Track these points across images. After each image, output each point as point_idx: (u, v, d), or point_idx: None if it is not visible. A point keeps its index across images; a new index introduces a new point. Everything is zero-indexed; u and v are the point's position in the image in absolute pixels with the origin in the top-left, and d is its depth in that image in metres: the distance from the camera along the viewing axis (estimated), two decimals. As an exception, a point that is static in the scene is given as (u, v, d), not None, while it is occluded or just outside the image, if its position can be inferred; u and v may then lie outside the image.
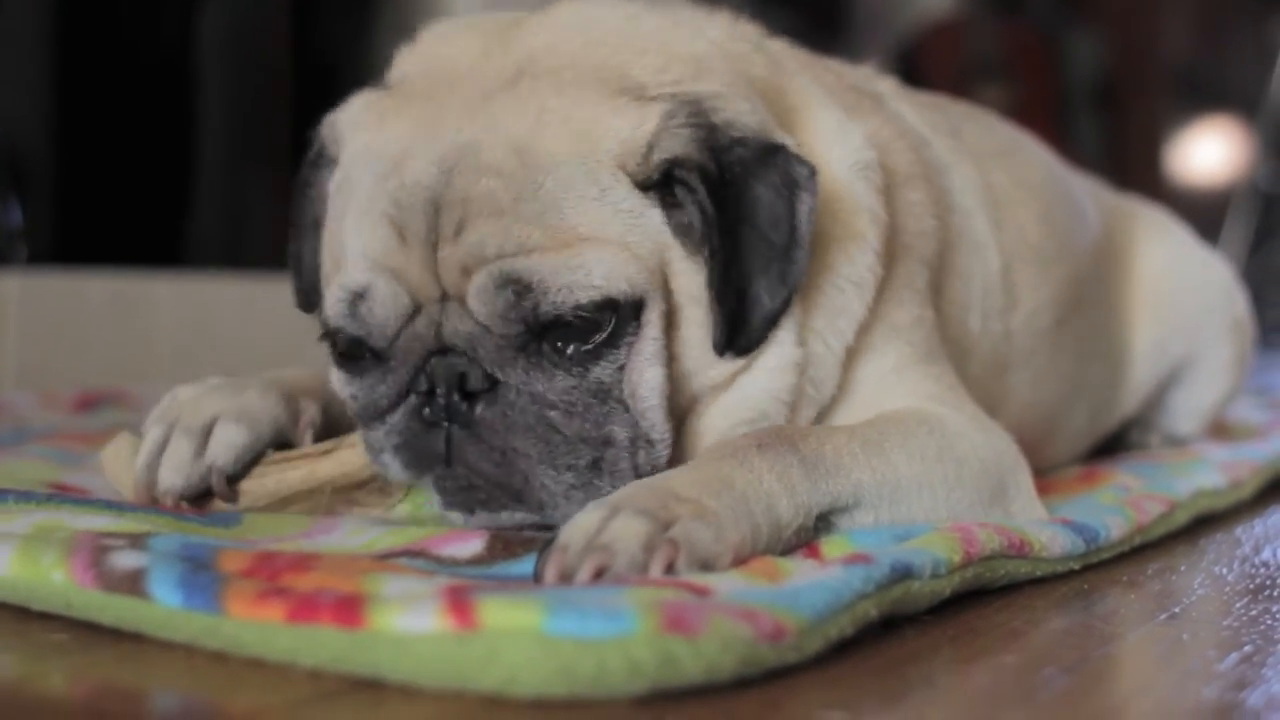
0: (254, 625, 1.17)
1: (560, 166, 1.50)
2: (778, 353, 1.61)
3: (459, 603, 1.11)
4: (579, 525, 1.31)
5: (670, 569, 1.27)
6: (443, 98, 1.57)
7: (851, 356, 1.71)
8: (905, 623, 1.39)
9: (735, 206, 1.54)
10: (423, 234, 1.50)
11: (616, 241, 1.51)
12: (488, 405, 1.50)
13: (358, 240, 1.53)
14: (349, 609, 1.14)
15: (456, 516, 1.56)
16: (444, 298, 1.51)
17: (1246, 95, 7.38)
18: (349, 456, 1.60)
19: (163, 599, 1.22)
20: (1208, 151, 7.70)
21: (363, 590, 1.20)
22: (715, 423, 1.61)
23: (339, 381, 1.60)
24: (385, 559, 1.42)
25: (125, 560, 1.27)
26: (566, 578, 1.26)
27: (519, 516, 1.54)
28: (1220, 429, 2.85)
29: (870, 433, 1.60)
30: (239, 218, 3.82)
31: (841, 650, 1.25)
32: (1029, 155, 2.35)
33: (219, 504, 1.64)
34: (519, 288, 1.47)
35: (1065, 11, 7.72)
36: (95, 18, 3.41)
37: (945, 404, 1.73)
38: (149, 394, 2.66)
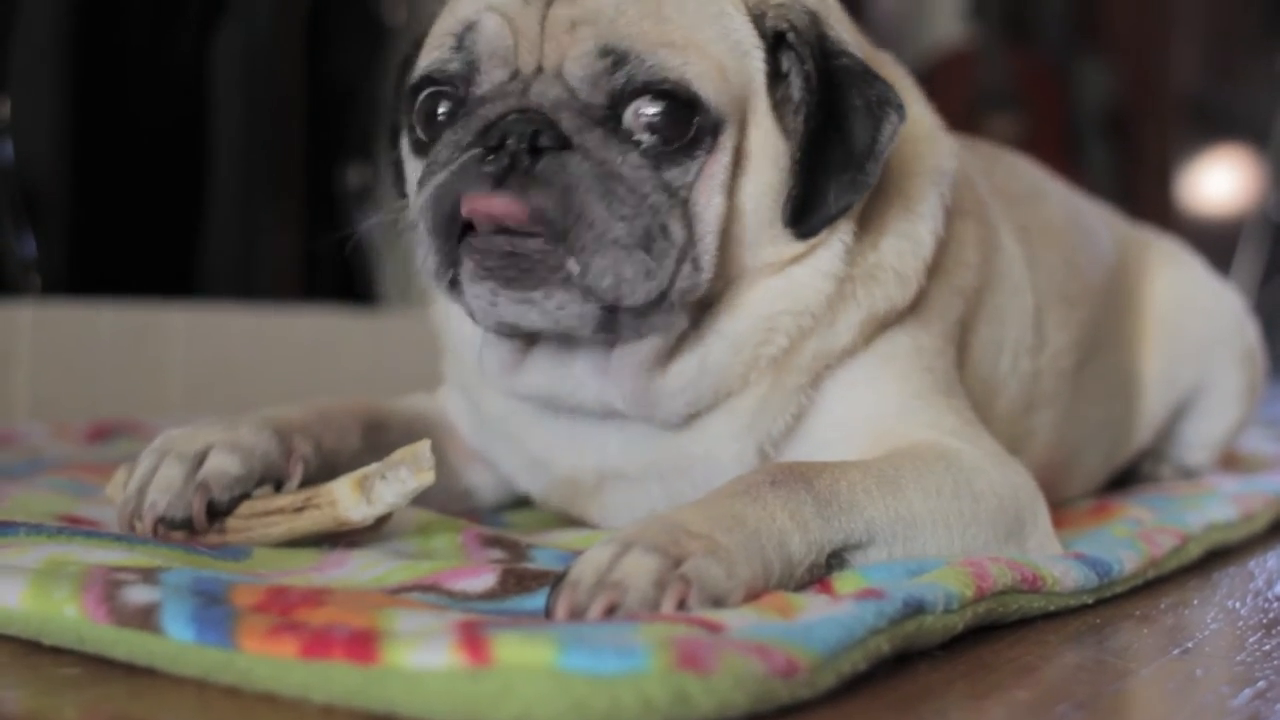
0: (267, 660, 1.17)
1: None
2: (828, 257, 1.67)
3: (472, 639, 1.11)
4: (590, 561, 1.30)
5: (682, 605, 1.27)
6: None
7: (850, 356, 1.73)
8: (918, 658, 1.39)
9: (834, 101, 1.62)
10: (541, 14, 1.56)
11: (717, 58, 1.58)
12: (553, 159, 1.49)
13: None
14: (362, 645, 1.14)
15: (484, 291, 1.53)
16: (540, 70, 1.55)
17: (1257, 125, 7.37)
18: (319, 518, 1.59)
19: (175, 634, 1.22)
20: (1218, 181, 7.70)
21: (376, 626, 1.20)
22: (758, 305, 1.66)
23: (410, 170, 1.67)
24: (398, 594, 1.42)
25: (138, 595, 1.27)
26: (578, 614, 1.26)
27: (549, 301, 1.52)
28: (1232, 460, 2.84)
29: (886, 468, 1.60)
30: (251, 248, 3.83)
31: (854, 686, 1.25)
32: (1054, 197, 2.36)
33: (206, 537, 1.60)
34: (616, 57, 1.53)
35: (1076, 41, 7.73)
36: (108, 49, 3.43)
37: (964, 438, 1.73)
38: (162, 425, 2.67)
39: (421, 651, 1.12)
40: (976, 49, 7.12)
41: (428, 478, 1.56)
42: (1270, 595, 1.83)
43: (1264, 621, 1.68)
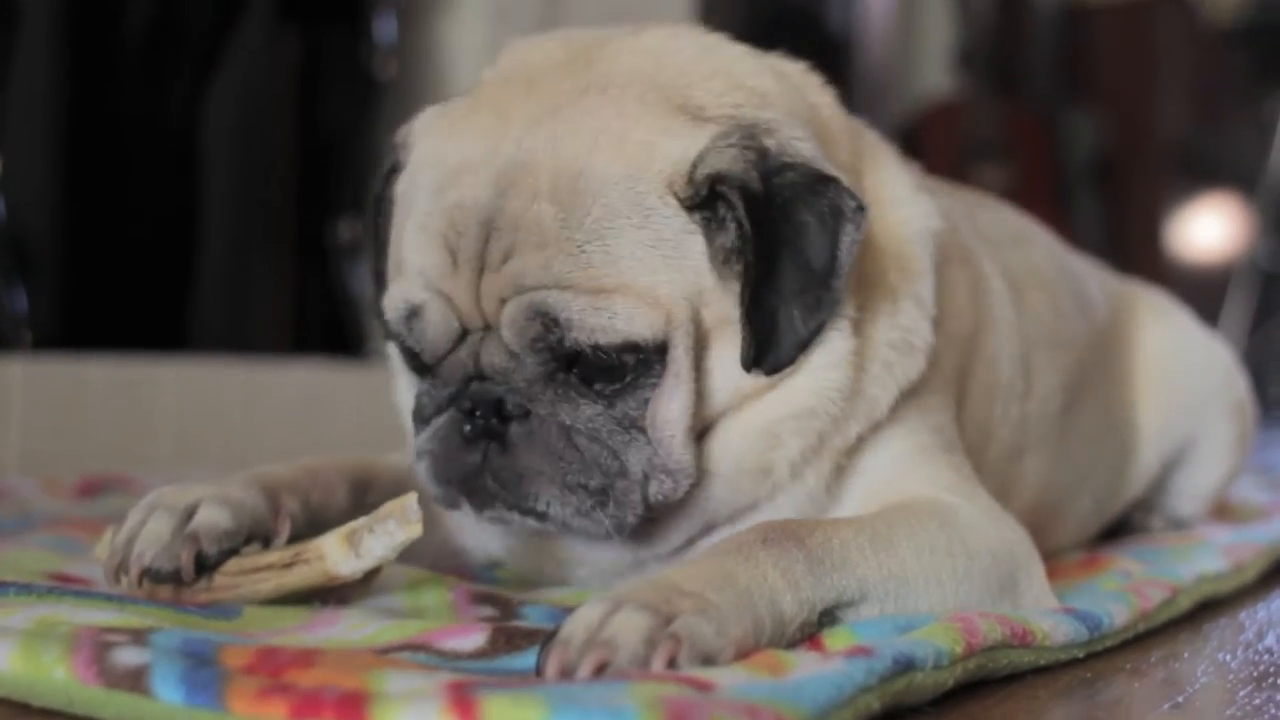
0: (256, 722, 1.17)
1: (609, 190, 1.57)
2: (825, 354, 1.65)
3: (462, 700, 1.11)
4: (581, 619, 1.30)
5: (672, 664, 1.27)
6: (512, 106, 1.65)
7: (877, 430, 1.72)
8: (908, 714, 1.39)
9: (777, 228, 1.58)
10: (472, 259, 1.59)
11: (648, 284, 1.56)
12: (520, 425, 1.59)
13: (415, 255, 1.63)
14: (352, 706, 1.14)
15: (489, 515, 1.66)
16: (486, 326, 1.60)
17: (1245, 173, 7.41)
18: (308, 573, 1.59)
19: (165, 696, 1.22)
20: (1207, 229, 7.73)
21: (366, 687, 1.20)
22: (756, 419, 1.65)
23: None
24: (387, 653, 1.41)
25: (127, 657, 1.27)
26: (568, 672, 1.26)
27: (537, 523, 1.64)
28: (1223, 510, 2.85)
29: (879, 525, 1.60)
30: (243, 302, 3.83)
31: (844, 744, 1.25)
32: (1037, 242, 2.37)
33: (193, 592, 1.58)
34: (547, 320, 1.55)
35: (1063, 91, 7.78)
36: (101, 105, 3.44)
37: (960, 494, 1.74)
38: (152, 480, 2.66)
39: (411, 713, 1.12)
40: (964, 100, 7.16)
41: (415, 530, 1.56)
42: (1261, 648, 1.83)
43: (1254, 675, 1.68)
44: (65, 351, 3.19)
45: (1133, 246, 7.42)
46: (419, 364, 1.68)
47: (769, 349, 1.59)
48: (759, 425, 1.65)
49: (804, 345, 1.61)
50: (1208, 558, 2.21)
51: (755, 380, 1.62)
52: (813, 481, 1.70)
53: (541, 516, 1.62)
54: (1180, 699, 1.57)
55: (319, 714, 1.15)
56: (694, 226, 1.59)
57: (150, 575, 1.57)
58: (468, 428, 1.61)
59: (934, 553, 1.61)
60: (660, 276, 1.57)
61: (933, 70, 7.67)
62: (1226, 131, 7.79)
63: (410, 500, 1.57)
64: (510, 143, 1.61)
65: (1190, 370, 2.60)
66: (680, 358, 1.58)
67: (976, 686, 1.51)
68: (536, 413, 1.59)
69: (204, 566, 1.59)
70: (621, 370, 1.58)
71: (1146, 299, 2.68)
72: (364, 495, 1.80)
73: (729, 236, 1.59)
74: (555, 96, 1.64)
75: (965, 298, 1.90)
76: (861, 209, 1.61)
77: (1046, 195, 6.86)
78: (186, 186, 3.68)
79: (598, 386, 1.59)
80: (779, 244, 1.57)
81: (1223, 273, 7.34)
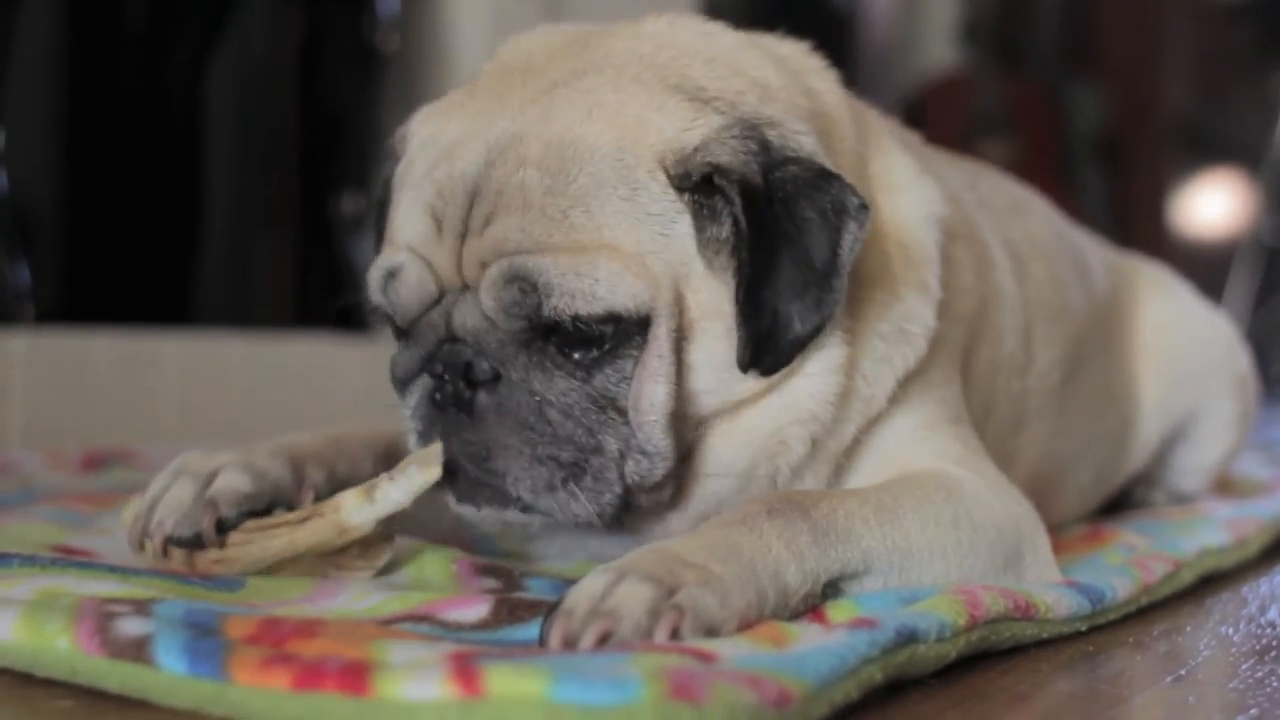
0: (259, 692, 1.17)
1: (598, 159, 1.55)
2: (823, 359, 1.62)
3: (465, 670, 1.12)
4: (584, 590, 1.31)
5: (675, 635, 1.27)
6: (509, 90, 1.64)
7: (876, 422, 1.71)
8: (911, 686, 1.39)
9: (777, 225, 1.54)
10: (456, 224, 1.57)
11: (633, 252, 1.53)
12: (489, 394, 1.56)
13: (403, 226, 1.62)
14: (355, 676, 1.14)
15: (468, 510, 1.62)
16: (465, 289, 1.57)
17: (1249, 149, 7.39)
18: (321, 526, 1.59)
19: (168, 666, 1.22)
20: (1211, 205, 7.71)
21: (368, 657, 1.20)
22: (760, 423, 1.62)
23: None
24: (390, 624, 1.42)
25: (130, 627, 1.27)
26: (571, 643, 1.26)
27: (521, 516, 1.60)
28: (1225, 485, 2.85)
29: (885, 497, 1.60)
30: (246, 276, 3.83)
31: (846, 715, 1.25)
32: (1036, 212, 2.37)
33: (207, 559, 1.60)
34: (526, 285, 1.52)
35: (1068, 66, 7.76)
36: (104, 77, 3.43)
37: (967, 466, 1.73)
38: (156, 453, 2.67)
39: (414, 683, 1.12)
40: (969, 75, 7.14)
41: (435, 472, 1.56)
42: (1263, 621, 1.84)
43: (1256, 648, 1.68)
44: (68, 325, 3.19)
45: (1137, 222, 7.41)
46: (396, 329, 1.67)
47: (767, 349, 1.55)
48: (766, 430, 1.62)
49: (802, 345, 1.57)
50: (1210, 532, 2.21)
51: (750, 381, 1.59)
52: (810, 481, 1.68)
53: (517, 505, 1.58)
54: (1182, 672, 1.57)
55: (322, 684, 1.15)
56: (682, 207, 1.56)
57: (173, 542, 1.59)
58: (437, 395, 1.58)
59: (939, 525, 1.61)
60: (646, 248, 1.54)
61: (937, 44, 7.64)
62: (1231, 107, 7.77)
63: (435, 447, 1.58)
64: (505, 119, 1.60)
65: (1191, 344, 2.60)
66: (663, 336, 1.54)
67: (979, 659, 1.51)
68: (508, 378, 1.55)
69: (224, 530, 1.60)
70: (600, 340, 1.54)
71: (1147, 273, 2.67)
72: (390, 467, 1.80)
73: (723, 229, 1.55)
74: (552, 77, 1.64)
75: (971, 275, 1.90)
76: (865, 207, 1.57)
77: (1051, 170, 6.85)
78: (190, 160, 3.68)
79: (576, 356, 1.55)
80: (779, 240, 1.54)
81: (1227, 249, 7.32)
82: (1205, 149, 7.76)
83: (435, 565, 1.67)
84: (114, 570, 1.56)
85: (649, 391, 1.55)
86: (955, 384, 1.82)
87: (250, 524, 1.61)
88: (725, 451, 1.63)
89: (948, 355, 1.82)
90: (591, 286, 1.51)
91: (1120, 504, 2.64)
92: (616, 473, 1.57)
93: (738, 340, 1.55)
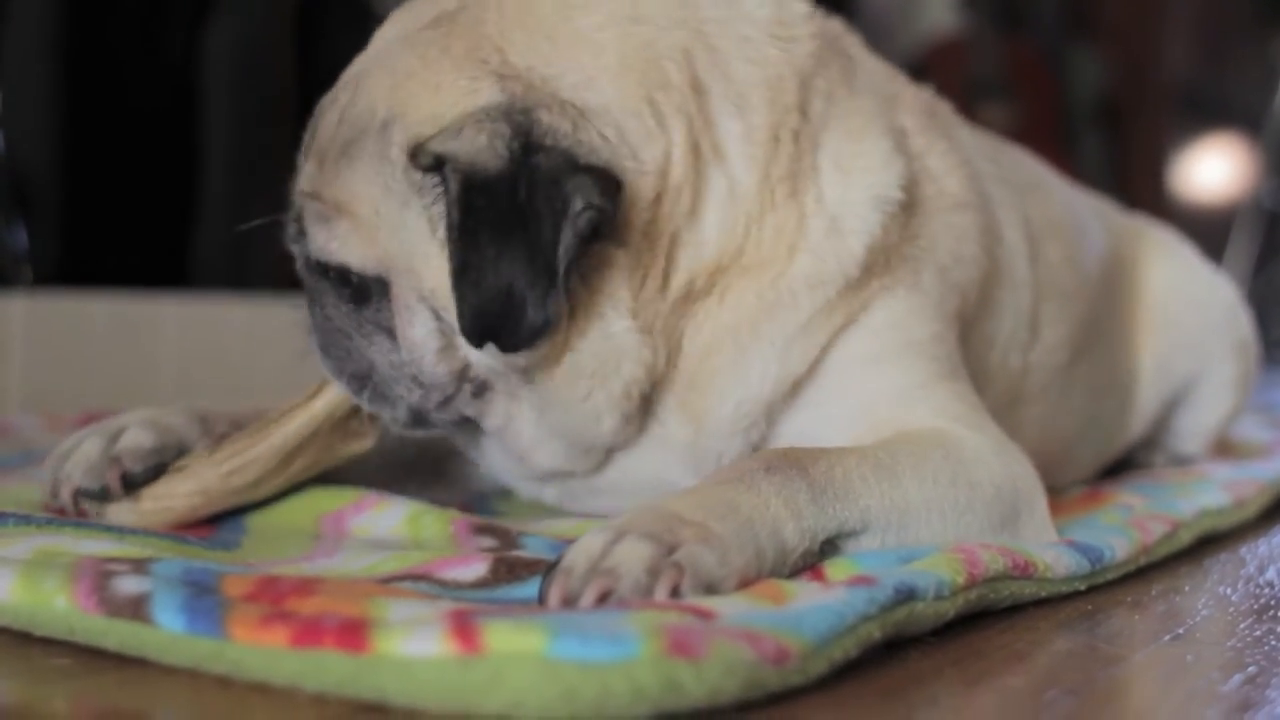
0: (258, 650, 1.17)
1: (373, 127, 1.60)
2: (601, 328, 1.62)
3: (463, 627, 1.12)
4: (583, 548, 1.31)
5: (675, 592, 1.27)
6: (391, 24, 1.73)
7: (863, 367, 1.71)
8: (909, 644, 1.39)
9: (513, 214, 1.51)
10: (300, 161, 1.70)
11: (369, 221, 1.61)
12: (310, 313, 1.74)
13: None
14: (353, 633, 1.14)
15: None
16: None
17: (1250, 113, 7.38)
18: (300, 414, 1.73)
19: (166, 624, 1.22)
20: (1211, 169, 7.71)
21: (367, 614, 1.20)
22: (573, 380, 1.64)
23: None
24: (389, 583, 1.42)
25: (128, 585, 1.27)
26: (570, 601, 1.26)
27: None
28: (1225, 447, 2.85)
29: (883, 455, 1.59)
30: (244, 239, 3.82)
31: (845, 673, 1.25)
32: (1052, 190, 2.35)
33: (113, 510, 1.65)
34: (299, 226, 1.67)
35: (1068, 29, 7.73)
36: (100, 40, 3.42)
37: (967, 424, 1.72)
38: (153, 416, 2.66)
39: (412, 640, 1.12)
40: (968, 38, 7.12)
41: None
42: (1261, 581, 1.84)
43: (1255, 607, 1.68)
44: (66, 288, 3.18)
45: (1136, 186, 7.39)
46: None
47: (503, 330, 1.52)
48: (579, 389, 1.65)
49: (540, 333, 1.52)
50: (1209, 493, 2.22)
51: (529, 353, 1.58)
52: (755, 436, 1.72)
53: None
54: (1181, 631, 1.57)
55: (320, 641, 1.15)
56: (417, 186, 1.57)
57: (81, 494, 1.66)
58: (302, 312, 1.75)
59: (937, 483, 1.61)
60: (383, 219, 1.59)
61: (937, 8, 7.61)
62: (1231, 70, 7.75)
63: None
64: (360, 60, 1.71)
65: (1193, 307, 2.59)
66: (403, 296, 1.61)
67: (977, 618, 1.51)
68: (312, 299, 1.71)
69: (133, 485, 1.66)
70: (348, 286, 1.65)
71: (1151, 235, 2.67)
72: None
73: (452, 213, 1.53)
74: (419, 21, 1.67)
75: (975, 246, 1.87)
76: (595, 209, 1.52)
77: (1050, 134, 6.83)
78: (187, 122, 3.67)
79: (345, 291, 1.66)
80: (512, 228, 1.51)
81: (1227, 213, 7.32)
82: (1205, 113, 7.74)
83: (433, 525, 1.67)
84: (110, 529, 1.56)
85: (407, 335, 1.63)
86: (948, 342, 1.80)
87: (178, 463, 1.69)
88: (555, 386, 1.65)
89: (936, 312, 1.78)
90: (328, 242, 1.63)
91: (1120, 466, 2.64)
92: (396, 391, 1.68)
93: (457, 318, 1.55)
